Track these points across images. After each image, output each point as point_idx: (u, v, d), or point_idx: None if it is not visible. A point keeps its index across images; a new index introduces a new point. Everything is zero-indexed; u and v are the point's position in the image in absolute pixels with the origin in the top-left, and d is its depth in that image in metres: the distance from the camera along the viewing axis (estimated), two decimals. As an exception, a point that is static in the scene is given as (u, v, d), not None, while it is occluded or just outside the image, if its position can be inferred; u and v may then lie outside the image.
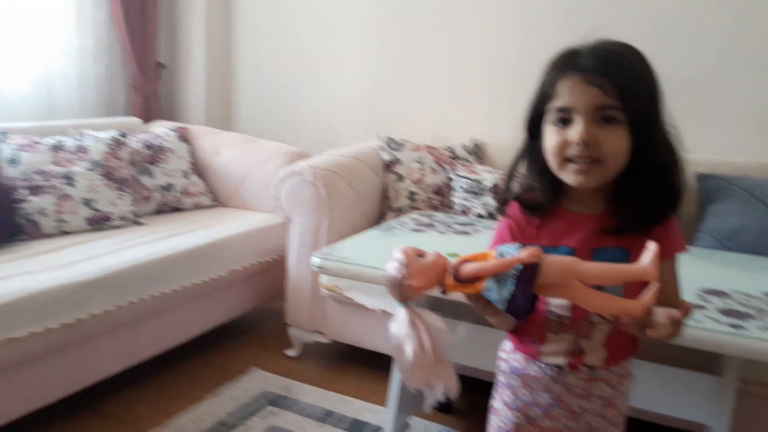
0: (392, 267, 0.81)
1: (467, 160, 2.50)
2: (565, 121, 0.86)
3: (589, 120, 0.84)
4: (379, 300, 2.00)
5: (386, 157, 2.50)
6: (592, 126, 0.84)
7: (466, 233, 1.86)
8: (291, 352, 2.27)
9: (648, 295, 0.75)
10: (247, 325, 2.52)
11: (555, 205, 0.94)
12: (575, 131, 0.84)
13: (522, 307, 0.75)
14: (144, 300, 1.88)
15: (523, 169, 0.97)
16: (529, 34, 2.60)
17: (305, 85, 3.18)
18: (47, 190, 2.12)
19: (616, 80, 0.83)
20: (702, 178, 2.13)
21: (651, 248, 0.76)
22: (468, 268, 0.78)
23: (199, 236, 2.17)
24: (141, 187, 2.46)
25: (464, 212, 2.29)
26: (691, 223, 2.11)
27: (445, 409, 1.92)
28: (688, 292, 1.36)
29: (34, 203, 2.07)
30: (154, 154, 2.55)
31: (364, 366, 2.19)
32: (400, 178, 2.44)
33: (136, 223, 2.29)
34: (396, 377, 1.66)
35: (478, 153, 2.57)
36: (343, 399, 1.96)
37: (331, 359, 2.26)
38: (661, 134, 0.88)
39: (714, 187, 2.08)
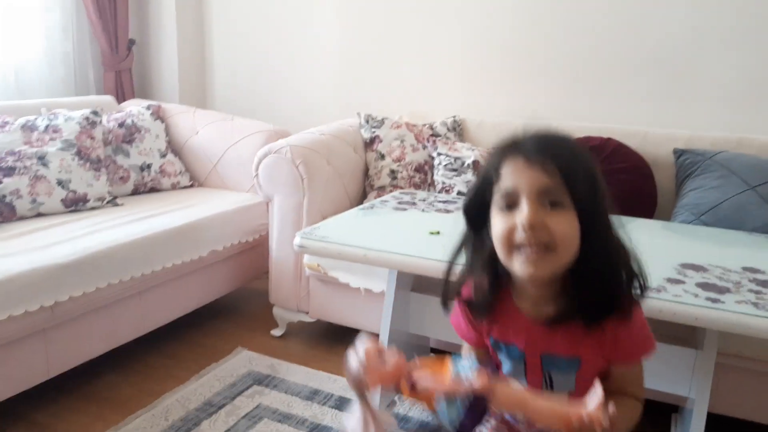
0: (353, 363, 0.85)
1: (448, 138, 2.49)
2: (510, 206, 0.84)
3: (535, 203, 0.81)
4: (362, 278, 2.00)
5: (366, 134, 2.48)
6: (540, 209, 0.81)
7: (448, 211, 1.86)
8: (276, 332, 2.27)
9: (591, 408, 0.75)
10: (231, 306, 2.51)
11: (505, 298, 0.92)
12: (522, 214, 0.81)
13: (468, 430, 0.79)
14: (124, 282, 1.86)
15: (464, 259, 0.95)
16: (508, 10, 2.58)
17: (283, 62, 3.13)
18: (21, 171, 2.06)
19: (557, 161, 0.81)
20: (679, 153, 2.16)
21: (597, 392, 0.75)
22: (423, 383, 0.80)
23: (178, 216, 2.14)
24: (117, 167, 2.41)
25: (446, 190, 2.29)
26: (668, 198, 2.15)
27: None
28: (666, 266, 1.40)
29: (7, 184, 2.02)
30: (129, 133, 2.50)
31: (348, 344, 2.17)
32: (381, 156, 2.43)
33: (113, 204, 2.25)
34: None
35: (458, 130, 2.56)
36: (329, 377, 1.97)
37: (316, 338, 2.27)
38: (606, 225, 0.86)
39: (691, 161, 2.12)
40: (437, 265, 1.33)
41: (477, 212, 0.90)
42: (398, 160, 2.41)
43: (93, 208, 2.20)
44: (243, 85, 3.28)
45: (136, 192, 2.46)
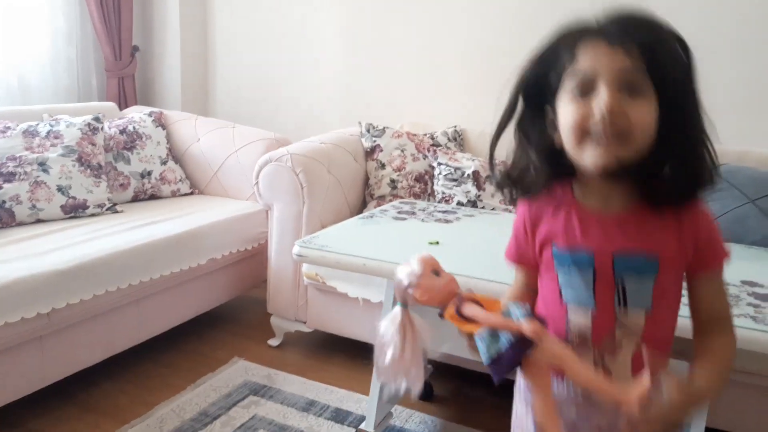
0: (404, 272, 0.80)
1: (448, 148, 2.49)
2: (585, 92, 0.77)
3: (614, 89, 0.75)
4: (361, 289, 1.99)
5: (367, 143, 2.48)
6: (619, 96, 0.75)
7: (447, 221, 1.86)
8: (273, 342, 2.26)
9: (639, 390, 0.70)
10: (229, 315, 2.50)
11: (568, 198, 0.85)
12: (600, 99, 0.74)
13: (503, 370, 0.75)
14: (122, 289, 1.85)
15: (514, 146, 0.88)
16: (509, 21, 2.59)
17: (284, 71, 3.14)
18: (21, 177, 2.06)
19: (641, 45, 0.75)
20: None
21: (643, 382, 0.70)
22: (470, 311, 0.77)
23: (177, 224, 2.13)
24: (117, 173, 2.41)
25: (446, 200, 2.29)
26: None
27: (426, 396, 1.93)
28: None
29: (7, 190, 2.02)
30: (130, 139, 2.50)
31: (346, 355, 2.19)
32: (382, 165, 2.43)
33: (112, 210, 2.25)
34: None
35: (458, 140, 2.56)
36: (326, 388, 1.96)
37: (313, 348, 2.26)
38: (691, 110, 0.79)
39: (691, 175, 2.10)
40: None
41: (534, 91, 0.83)
42: (398, 169, 2.41)
43: (93, 215, 2.19)
44: (245, 93, 3.28)
45: (136, 199, 2.46)
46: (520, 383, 0.98)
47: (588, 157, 0.78)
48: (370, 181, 2.45)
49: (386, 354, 0.80)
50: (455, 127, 2.59)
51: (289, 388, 1.95)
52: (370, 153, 2.47)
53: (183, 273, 2.07)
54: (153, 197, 2.51)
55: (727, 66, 2.26)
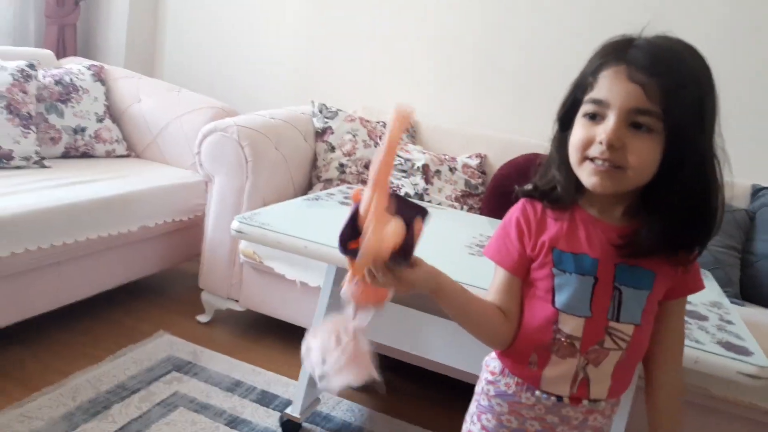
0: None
1: (401, 138, 2.46)
2: (595, 116, 0.78)
3: (622, 121, 0.75)
4: (300, 271, 1.95)
5: (318, 124, 2.42)
6: (623, 128, 0.75)
7: (394, 211, 1.83)
8: (202, 318, 2.18)
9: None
10: (157, 287, 2.40)
11: (573, 205, 0.86)
12: (603, 129, 0.76)
13: (342, 236, 0.74)
14: (42, 249, 1.73)
15: (551, 160, 0.88)
16: (473, 20, 2.58)
17: (240, 36, 3.03)
18: (-63, 118, 1.90)
19: (663, 82, 0.74)
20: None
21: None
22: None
23: (109, 186, 2.02)
24: (48, 126, 2.26)
25: (393, 190, 2.26)
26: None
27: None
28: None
29: None
30: (66, 92, 2.34)
31: (277, 337, 2.14)
32: (332, 148, 2.38)
33: (40, 165, 2.10)
34: (311, 351, 1.62)
35: (411, 132, 2.54)
36: (253, 369, 1.91)
37: (243, 328, 2.20)
38: (704, 151, 0.78)
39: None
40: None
41: (567, 111, 0.84)
42: (348, 154, 2.37)
43: (17, 167, 2.04)
44: (195, 56, 3.15)
45: (66, 155, 2.31)
46: (472, 408, 0.96)
47: (583, 178, 0.80)
48: (318, 163, 2.39)
49: (324, 349, 0.77)
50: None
51: (215, 366, 1.88)
52: (320, 134, 2.41)
53: (111, 238, 1.96)
54: (85, 155, 2.37)
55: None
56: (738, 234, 2.07)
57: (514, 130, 2.50)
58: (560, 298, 0.83)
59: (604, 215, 0.84)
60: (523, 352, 0.86)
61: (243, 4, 2.99)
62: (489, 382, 0.92)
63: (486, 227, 1.87)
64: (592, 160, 0.78)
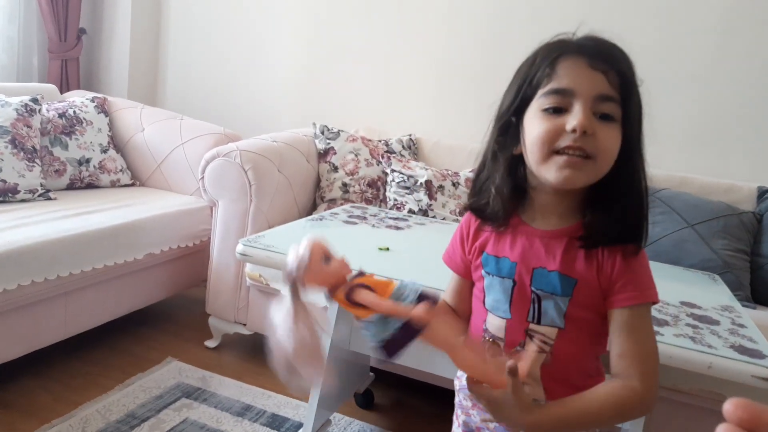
0: (291, 258, 0.75)
1: (402, 155, 2.48)
2: (557, 109, 0.77)
3: (589, 108, 0.75)
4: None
5: (320, 145, 2.44)
6: (591, 117, 0.75)
7: (398, 228, 1.83)
8: (210, 343, 2.17)
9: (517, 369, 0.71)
10: (165, 314, 2.40)
11: (512, 216, 0.86)
12: (574, 118, 0.74)
13: (393, 354, 0.73)
14: (50, 280, 1.74)
15: (487, 169, 0.88)
16: (471, 36, 2.61)
17: (240, 64, 3.06)
18: (-57, 155, 1.92)
19: (620, 70, 0.76)
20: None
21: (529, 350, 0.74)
22: (361, 297, 0.74)
23: (114, 215, 2.03)
24: (53, 159, 2.28)
25: (397, 207, 2.27)
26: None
27: (366, 404, 1.89)
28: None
29: (-74, 168, 1.87)
30: (70, 124, 2.37)
31: (285, 359, 2.12)
32: (334, 168, 2.39)
33: (45, 197, 2.12)
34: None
35: (413, 148, 2.55)
36: (263, 393, 1.89)
37: (252, 352, 2.19)
38: (640, 151, 0.81)
39: (636, 197, 2.16)
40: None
41: (515, 111, 0.82)
42: (351, 173, 2.37)
43: (23, 201, 2.06)
44: (196, 84, 3.18)
45: (71, 187, 2.33)
46: (459, 399, 0.97)
47: (551, 174, 0.78)
48: (321, 184, 2.40)
49: (280, 343, 0.74)
50: (410, 135, 2.58)
51: (225, 391, 1.87)
52: (323, 155, 2.42)
53: (117, 267, 1.97)
54: (90, 186, 2.39)
55: (675, 95, 2.33)
56: (746, 237, 2.06)
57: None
58: (488, 299, 0.87)
59: (536, 222, 0.85)
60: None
61: (241, 30, 3.03)
62: (456, 377, 0.97)
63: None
64: (559, 153, 0.76)
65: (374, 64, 2.79)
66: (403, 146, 2.52)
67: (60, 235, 1.78)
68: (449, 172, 2.37)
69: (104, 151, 2.44)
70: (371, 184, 2.38)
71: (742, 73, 2.25)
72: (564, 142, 0.76)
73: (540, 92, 0.78)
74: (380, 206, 2.35)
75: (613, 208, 0.79)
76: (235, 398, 1.84)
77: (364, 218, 1.90)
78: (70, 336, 1.90)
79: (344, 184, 2.35)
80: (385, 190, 2.37)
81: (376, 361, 1.89)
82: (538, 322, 0.83)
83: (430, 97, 2.71)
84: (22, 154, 2.11)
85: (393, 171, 2.33)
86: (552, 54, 0.79)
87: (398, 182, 2.29)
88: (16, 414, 1.66)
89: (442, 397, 1.92)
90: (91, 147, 2.40)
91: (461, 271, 0.93)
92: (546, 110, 0.78)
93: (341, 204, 2.29)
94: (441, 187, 2.29)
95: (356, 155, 2.41)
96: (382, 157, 2.41)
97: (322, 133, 2.46)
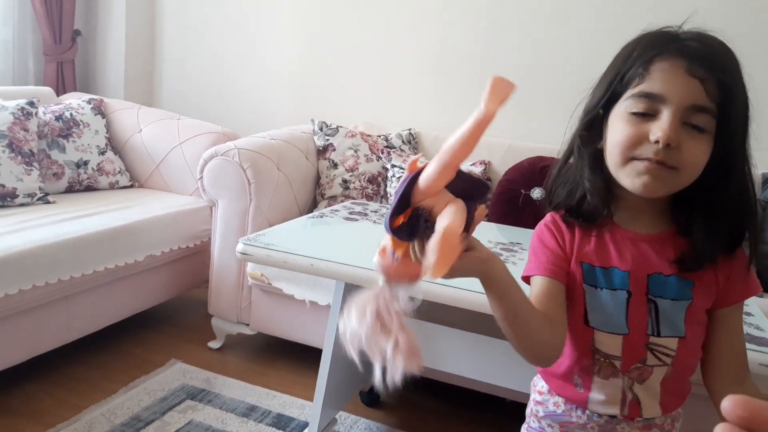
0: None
1: (402, 150, 2.46)
2: (645, 114, 0.71)
3: (678, 119, 0.69)
4: (308, 291, 1.93)
5: (319, 142, 2.42)
6: (680, 128, 0.69)
7: (400, 224, 1.81)
8: (213, 344, 2.16)
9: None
10: (167, 315, 2.39)
11: (606, 217, 0.79)
12: (659, 127, 0.68)
13: (392, 211, 0.62)
14: (50, 284, 1.72)
15: (572, 168, 0.81)
16: (467, 28, 2.58)
17: (237, 62, 3.04)
18: (-60, 160, 1.91)
19: (721, 78, 0.69)
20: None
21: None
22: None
23: (114, 217, 2.01)
24: (51, 162, 2.27)
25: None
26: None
27: (371, 402, 1.88)
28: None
29: (-77, 175, 1.86)
30: (66, 127, 2.36)
31: (290, 359, 2.11)
32: (334, 164, 2.37)
33: (44, 201, 2.11)
34: (323, 370, 1.60)
35: (412, 143, 2.54)
36: (268, 393, 1.88)
37: (256, 352, 2.18)
38: (745, 159, 0.75)
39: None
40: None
41: (603, 107, 0.76)
42: (351, 169, 2.36)
43: (22, 205, 2.05)
44: (193, 84, 3.16)
45: (70, 190, 2.31)
46: (529, 422, 0.92)
47: (628, 180, 0.73)
48: (321, 181, 2.39)
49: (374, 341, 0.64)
50: (410, 129, 2.56)
51: (229, 392, 1.86)
52: (322, 152, 2.41)
53: (118, 269, 1.96)
54: (89, 189, 2.37)
55: None
56: (750, 224, 2.04)
57: (516, 136, 2.49)
58: (593, 316, 0.79)
59: (631, 224, 0.79)
60: (566, 372, 0.82)
61: (236, 27, 3.01)
62: (537, 403, 0.89)
63: (495, 233, 1.84)
64: (638, 160, 0.72)
65: (371, 57, 2.77)
66: (402, 141, 2.50)
67: (60, 238, 1.77)
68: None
69: (102, 153, 2.42)
70: (372, 180, 2.37)
71: (745, 57, 2.23)
72: (645, 152, 0.71)
73: (630, 92, 0.73)
74: (381, 202, 2.33)
75: (719, 226, 0.74)
76: (239, 399, 1.83)
77: (365, 214, 1.89)
78: (73, 340, 1.89)
79: (344, 181, 2.34)
80: (385, 185, 2.36)
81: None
82: (658, 335, 0.77)
83: (429, 90, 2.69)
84: (19, 158, 2.09)
85: (393, 166, 2.32)
86: (649, 51, 0.72)
87: (399, 177, 2.28)
88: (21, 419, 1.65)
89: (448, 394, 1.91)
90: (89, 149, 2.38)
91: (553, 270, 0.80)
92: (633, 114, 0.72)
93: (342, 201, 2.28)
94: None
95: (356, 151, 2.39)
96: (382, 153, 2.40)
97: (321, 129, 2.44)
